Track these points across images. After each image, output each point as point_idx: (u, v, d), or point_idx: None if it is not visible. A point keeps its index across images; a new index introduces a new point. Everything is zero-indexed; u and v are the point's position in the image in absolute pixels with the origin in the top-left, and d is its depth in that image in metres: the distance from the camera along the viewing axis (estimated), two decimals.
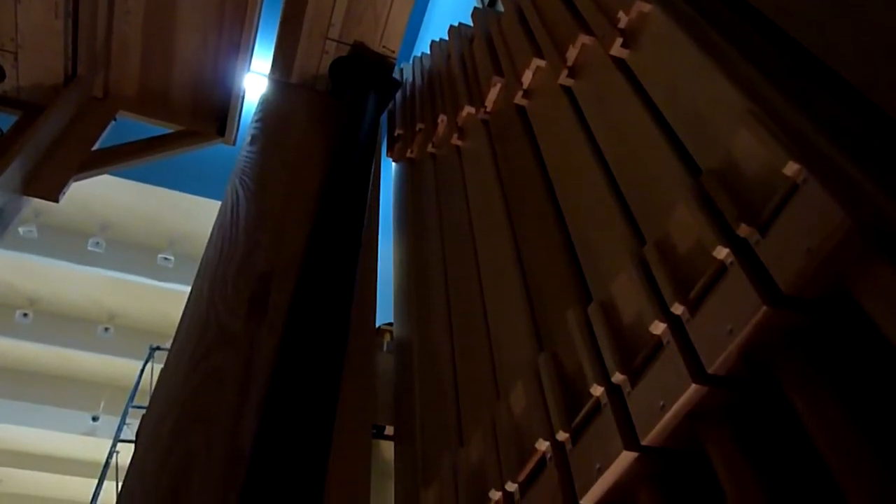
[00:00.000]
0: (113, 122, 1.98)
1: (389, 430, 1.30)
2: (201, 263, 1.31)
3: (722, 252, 0.58)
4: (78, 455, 6.18)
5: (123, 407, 5.02)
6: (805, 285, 0.52)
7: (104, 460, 4.83)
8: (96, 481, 4.77)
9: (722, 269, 0.59)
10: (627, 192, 0.85)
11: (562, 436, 0.72)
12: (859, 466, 0.45)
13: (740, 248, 0.58)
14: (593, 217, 0.90)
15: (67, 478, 6.28)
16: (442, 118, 1.63)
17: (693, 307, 0.61)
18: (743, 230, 0.58)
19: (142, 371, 5.02)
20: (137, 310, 5.92)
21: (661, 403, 0.61)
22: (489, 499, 0.80)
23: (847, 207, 0.49)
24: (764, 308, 0.53)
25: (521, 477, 0.77)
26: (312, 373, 1.00)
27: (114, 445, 4.85)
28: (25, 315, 5.71)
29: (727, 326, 0.56)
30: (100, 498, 4.65)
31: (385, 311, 1.53)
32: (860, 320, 0.50)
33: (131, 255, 5.56)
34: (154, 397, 1.05)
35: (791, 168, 0.55)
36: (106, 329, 5.93)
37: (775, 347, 0.55)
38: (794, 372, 0.53)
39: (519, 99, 1.29)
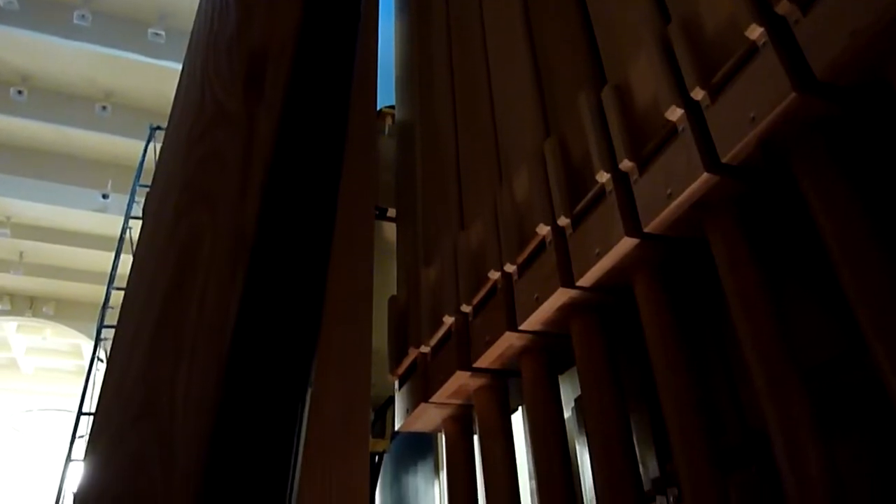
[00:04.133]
0: None
1: (392, 213, 1.32)
2: (192, 36, 1.23)
3: (755, 31, 0.53)
4: (93, 230, 6.43)
5: (131, 185, 5.11)
6: (841, 71, 0.48)
7: (118, 235, 5.03)
8: (113, 254, 5.01)
9: (753, 50, 0.54)
10: None
11: (563, 221, 0.72)
12: (866, 268, 0.45)
13: (777, 27, 0.53)
14: None
15: (86, 250, 6.61)
16: None
17: (715, 92, 0.57)
18: (782, 7, 0.52)
19: (145, 151, 5.03)
20: (133, 88, 5.78)
21: (669, 192, 0.59)
22: (488, 278, 0.83)
23: None
24: (793, 94, 0.49)
25: (520, 259, 0.78)
26: (313, 153, 0.98)
27: (126, 222, 5.02)
28: (20, 92, 5.58)
29: (749, 113, 0.53)
30: (118, 270, 4.93)
31: (386, 93, 1.47)
32: (888, 116, 0.47)
33: (120, 30, 5.30)
34: (156, 177, 1.04)
35: None
36: (104, 108, 5.83)
37: (796, 138, 0.52)
38: (813, 165, 0.51)
39: None
